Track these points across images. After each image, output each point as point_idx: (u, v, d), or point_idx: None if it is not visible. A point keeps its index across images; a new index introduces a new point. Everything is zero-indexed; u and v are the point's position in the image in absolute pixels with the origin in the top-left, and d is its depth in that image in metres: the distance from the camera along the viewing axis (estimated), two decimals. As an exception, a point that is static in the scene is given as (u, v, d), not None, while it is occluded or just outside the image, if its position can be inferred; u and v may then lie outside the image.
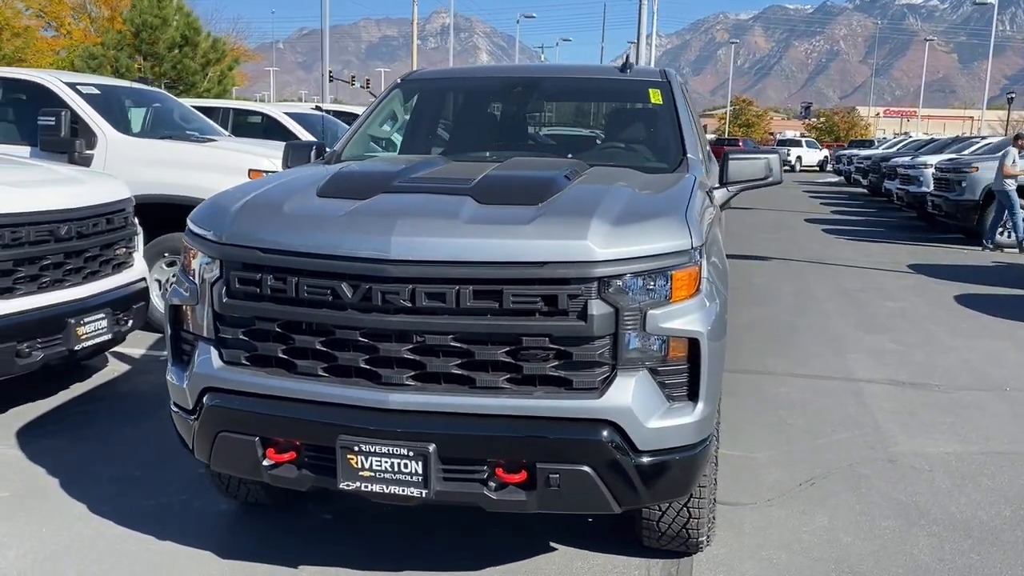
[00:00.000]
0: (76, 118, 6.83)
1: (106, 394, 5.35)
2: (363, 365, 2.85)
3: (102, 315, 4.90)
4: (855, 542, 3.61)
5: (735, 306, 8.53)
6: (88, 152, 6.78)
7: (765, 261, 12.02)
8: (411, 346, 2.80)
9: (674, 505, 3.20)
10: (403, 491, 2.81)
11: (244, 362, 3.02)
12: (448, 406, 2.80)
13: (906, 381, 6.01)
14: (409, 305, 2.75)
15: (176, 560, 3.34)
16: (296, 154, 4.44)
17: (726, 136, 56.77)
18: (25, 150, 6.87)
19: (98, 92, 7.17)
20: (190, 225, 3.18)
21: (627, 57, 4.63)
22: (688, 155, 3.94)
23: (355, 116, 11.18)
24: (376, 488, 2.84)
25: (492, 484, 2.81)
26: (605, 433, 2.76)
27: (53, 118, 6.64)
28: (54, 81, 6.96)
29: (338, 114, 13.38)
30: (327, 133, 10.91)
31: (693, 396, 2.89)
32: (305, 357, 2.92)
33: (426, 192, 3.11)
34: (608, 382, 2.78)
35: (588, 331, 2.72)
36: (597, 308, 2.72)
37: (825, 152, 50.58)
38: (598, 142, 4.49)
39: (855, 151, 33.75)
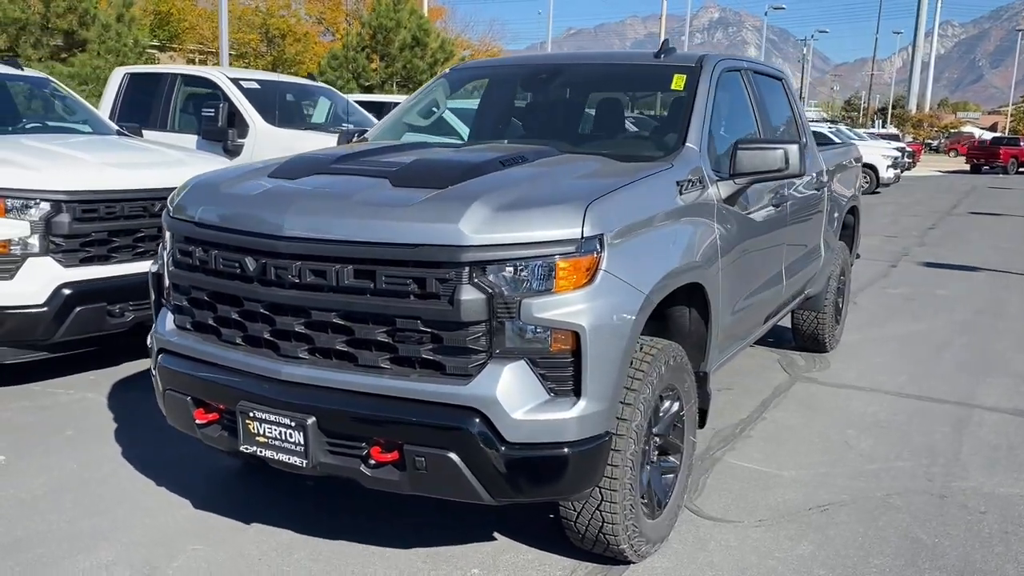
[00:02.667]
0: (234, 110, 7.58)
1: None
2: (267, 336, 3.01)
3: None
4: (825, 576, 3.25)
5: (889, 317, 7.81)
6: (240, 140, 7.51)
7: (972, 272, 10.78)
8: (304, 321, 2.91)
9: (587, 507, 3.06)
10: (288, 459, 2.94)
11: (188, 327, 3.28)
12: (331, 381, 2.89)
13: (1035, 413, 5.21)
14: (297, 281, 2.86)
15: (151, 501, 3.70)
16: (343, 138, 4.70)
17: (1006, 135, 50.92)
18: (195, 138, 7.74)
19: (258, 87, 7.90)
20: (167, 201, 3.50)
21: (666, 41, 4.39)
22: (687, 144, 3.70)
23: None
24: (268, 454, 2.99)
25: (371, 462, 2.86)
26: (469, 421, 2.72)
27: (213, 110, 7.42)
28: (220, 77, 7.77)
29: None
30: None
31: (577, 392, 2.76)
32: (227, 326, 3.13)
33: (351, 174, 3.20)
34: (481, 369, 2.73)
35: (456, 316, 2.69)
36: (467, 293, 2.68)
37: None
38: (599, 129, 4.32)
39: None
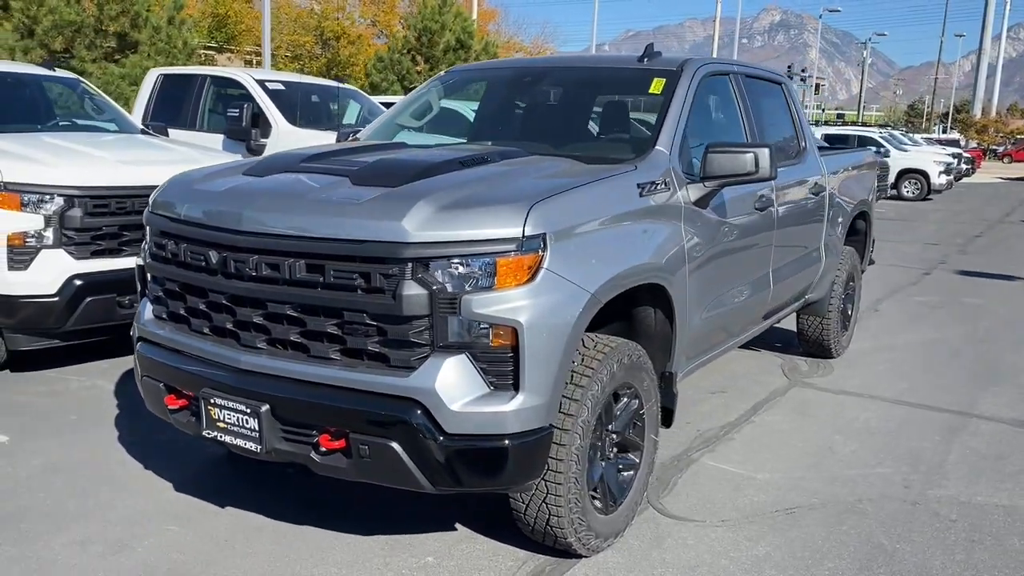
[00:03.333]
0: (258, 110, 7.80)
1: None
2: (229, 327, 3.15)
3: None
4: (775, 576, 3.27)
5: (908, 325, 7.69)
6: (263, 140, 7.73)
7: (1009, 281, 10.54)
8: (261, 312, 3.05)
9: (534, 500, 3.13)
10: (245, 444, 3.08)
11: (164, 317, 3.45)
12: (285, 371, 3.02)
13: (1035, 424, 5.12)
14: (254, 274, 3.00)
15: (136, 484, 3.87)
16: (340, 137, 4.85)
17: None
18: (221, 138, 7.98)
19: (283, 88, 8.13)
20: (151, 196, 3.67)
21: (650, 45, 4.43)
22: (657, 147, 3.75)
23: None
24: (228, 439, 3.13)
25: (321, 449, 2.97)
26: (410, 412, 2.82)
27: (237, 110, 7.65)
28: (246, 78, 8.02)
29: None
30: None
31: (516, 386, 2.84)
32: (195, 316, 3.28)
33: (316, 172, 3.32)
34: (423, 362, 2.83)
35: (399, 310, 2.79)
36: (409, 289, 2.78)
37: None
38: (579, 131, 4.37)
39: None
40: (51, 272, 5.03)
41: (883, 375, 6.06)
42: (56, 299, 5.03)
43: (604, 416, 3.31)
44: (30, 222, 4.99)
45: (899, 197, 24.37)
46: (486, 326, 2.81)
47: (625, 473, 3.52)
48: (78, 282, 5.08)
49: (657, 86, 4.08)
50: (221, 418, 3.12)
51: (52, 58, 15.64)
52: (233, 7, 36.44)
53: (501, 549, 3.41)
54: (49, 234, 5.03)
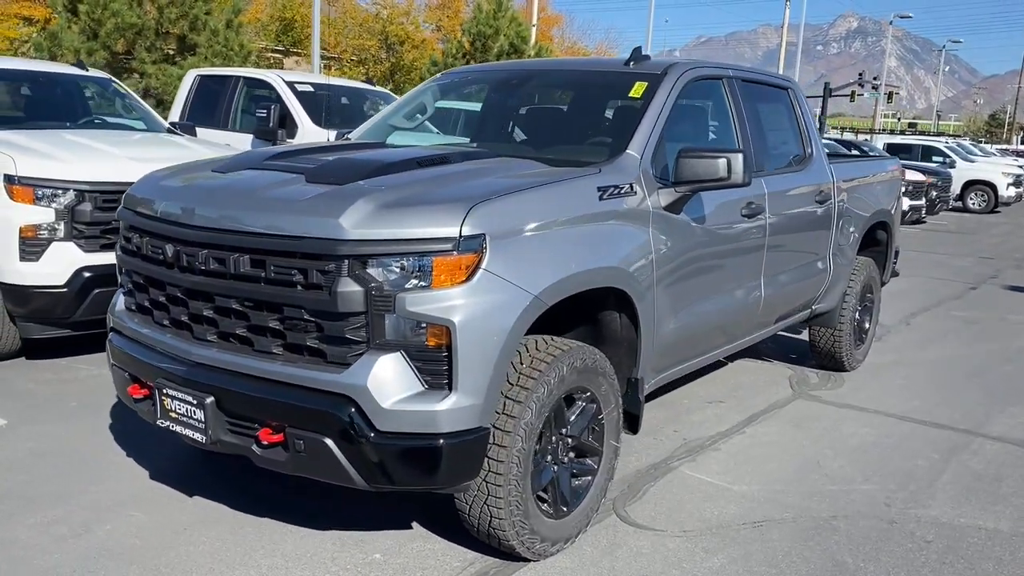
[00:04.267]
0: (286, 111, 7.96)
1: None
2: (184, 319, 3.22)
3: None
4: (723, 590, 3.20)
5: (937, 339, 7.44)
6: (289, 140, 7.87)
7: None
8: (211, 306, 3.11)
9: (476, 501, 3.12)
10: (193, 434, 3.15)
11: (133, 308, 3.55)
12: (231, 364, 3.07)
13: (1045, 446, 4.91)
14: (204, 268, 3.06)
15: (113, 470, 3.98)
16: (338, 137, 4.93)
17: None
18: (251, 137, 8.16)
19: (311, 90, 8.27)
20: (131, 192, 3.78)
21: (638, 49, 4.38)
22: (627, 151, 3.71)
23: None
24: (179, 429, 3.20)
25: (262, 442, 3.02)
26: (342, 408, 2.84)
27: (265, 111, 7.81)
28: (276, 79, 8.19)
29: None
30: None
31: (450, 385, 2.85)
32: (156, 308, 3.37)
33: (275, 170, 3.38)
34: (358, 359, 2.86)
35: (334, 307, 2.82)
36: (345, 285, 2.81)
37: None
38: (561, 133, 4.34)
39: None
40: (61, 264, 5.20)
41: (895, 390, 5.88)
42: (65, 290, 5.20)
43: (556, 420, 3.29)
44: (42, 215, 5.17)
45: (964, 209, 23.62)
46: (420, 325, 2.82)
47: (580, 478, 3.48)
48: (87, 274, 5.25)
49: (638, 90, 4.04)
50: (173, 408, 3.19)
51: (114, 59, 16.21)
52: (300, 11, 37.11)
53: (452, 549, 3.41)
54: (60, 227, 5.21)
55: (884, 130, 57.07)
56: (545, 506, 3.30)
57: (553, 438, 3.31)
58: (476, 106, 5.17)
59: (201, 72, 9.22)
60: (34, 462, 4.06)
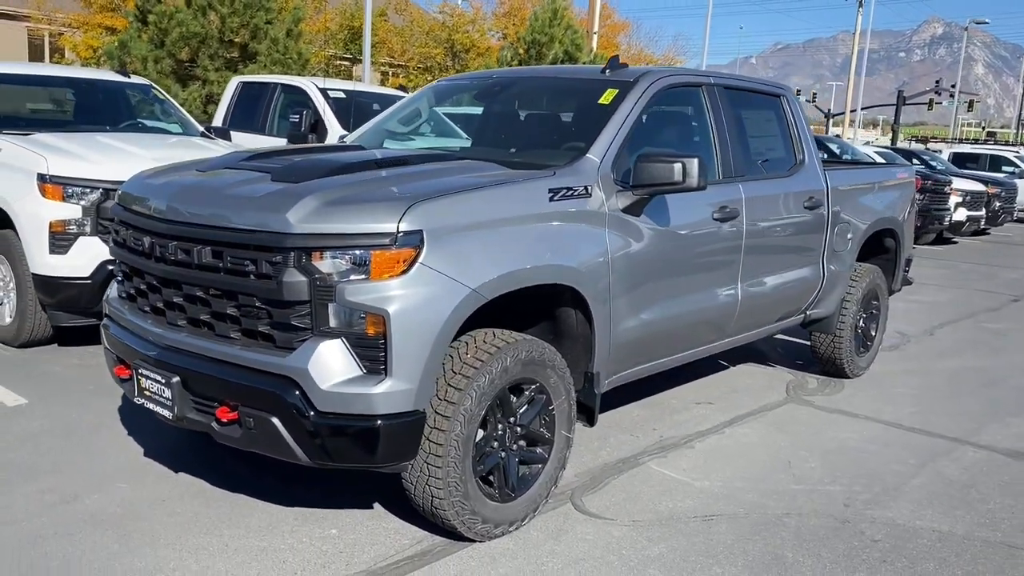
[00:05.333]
0: (318, 117, 8.28)
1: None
2: (159, 305, 3.51)
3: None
4: (655, 576, 3.34)
5: (960, 350, 7.35)
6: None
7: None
8: (180, 293, 3.39)
9: (418, 481, 3.32)
10: (162, 411, 3.43)
11: (124, 296, 3.85)
12: (195, 347, 3.34)
13: (1032, 455, 4.88)
14: (173, 258, 3.34)
15: (111, 446, 4.30)
16: (339, 140, 5.20)
17: None
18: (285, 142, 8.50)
19: (344, 96, 8.59)
20: (129, 188, 4.09)
21: (615, 58, 4.51)
22: (587, 155, 3.87)
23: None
24: (151, 406, 3.49)
25: (221, 420, 3.27)
26: (286, 389, 3.08)
27: (297, 116, 8.14)
28: (310, 86, 8.55)
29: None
30: None
31: (386, 370, 3.05)
32: (139, 295, 3.66)
33: (248, 170, 3.64)
34: (302, 344, 3.09)
35: (281, 295, 3.06)
36: (291, 276, 3.05)
37: None
38: (534, 138, 4.50)
39: None
40: (86, 257, 5.59)
41: (895, 398, 5.88)
42: (90, 281, 5.58)
43: (503, 408, 3.47)
44: (71, 211, 5.57)
45: (1033, 221, 22.92)
46: (360, 313, 3.04)
47: (530, 466, 3.65)
48: (110, 267, 5.60)
49: (607, 97, 4.19)
50: (147, 387, 3.48)
51: (179, 67, 16.92)
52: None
53: (405, 528, 3.62)
54: (87, 223, 5.60)
55: (962, 139, 55.45)
56: (490, 489, 3.48)
57: (500, 426, 3.49)
58: (478, 110, 5.39)
59: (243, 79, 9.66)
60: (43, 437, 4.41)
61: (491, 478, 3.50)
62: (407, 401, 3.09)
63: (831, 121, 60.06)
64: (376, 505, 3.82)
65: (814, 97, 64.47)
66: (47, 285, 5.59)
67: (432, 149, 4.50)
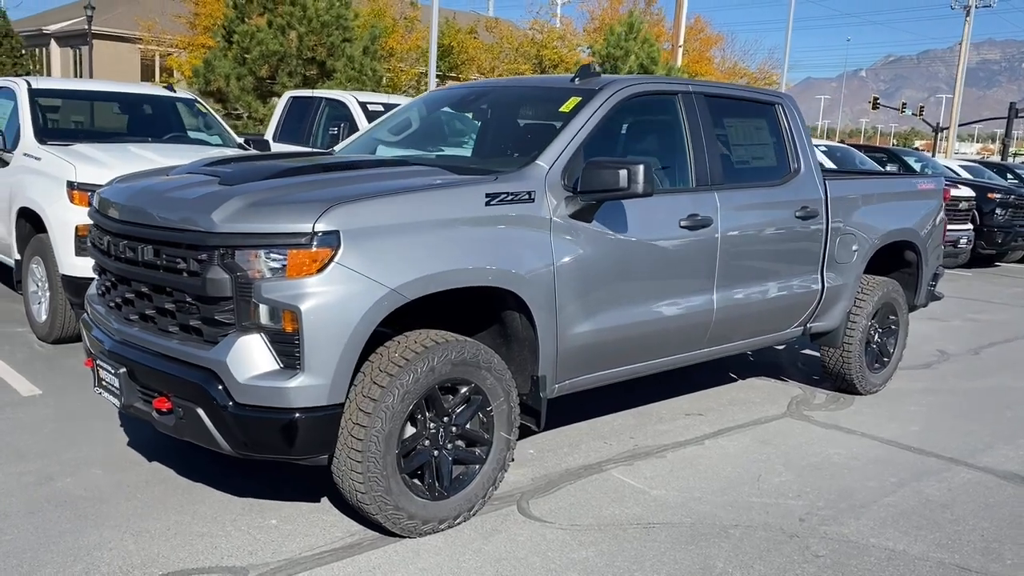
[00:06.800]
0: (355, 129, 8.56)
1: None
2: (117, 301, 3.74)
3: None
4: (571, 578, 3.35)
5: (993, 371, 7.00)
6: (355, 156, 8.45)
7: None
8: (130, 289, 3.61)
9: (344, 475, 3.42)
10: (113, 400, 3.65)
11: (98, 292, 4.11)
12: (142, 340, 3.55)
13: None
14: (123, 256, 3.56)
15: (100, 434, 4.56)
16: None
17: None
18: (327, 153, 8.81)
19: (382, 109, 8.84)
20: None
21: (588, 66, 4.53)
22: (536, 162, 3.92)
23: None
24: (106, 395, 3.71)
25: (159, 409, 3.46)
26: (208, 381, 3.24)
27: (336, 128, 8.46)
28: (350, 99, 8.85)
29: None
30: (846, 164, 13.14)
31: (301, 365, 3.18)
32: (105, 292, 3.91)
33: (202, 174, 3.83)
34: (225, 338, 3.25)
35: (206, 291, 3.23)
36: (214, 273, 3.22)
37: None
38: (498, 144, 4.56)
39: None
40: (109, 259, 5.93)
41: (904, 416, 5.67)
42: (111, 282, 5.92)
43: (436, 407, 3.55)
44: (96, 216, 5.93)
45: None
46: (277, 309, 3.18)
47: (467, 466, 3.71)
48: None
49: (569, 105, 4.23)
50: (104, 377, 3.71)
51: (260, 84, 17.66)
52: (457, 38, 38.68)
53: (342, 521, 3.73)
54: (110, 227, 5.95)
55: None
56: (420, 486, 3.56)
57: (432, 424, 3.57)
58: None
59: (293, 93, 10.06)
60: (43, 425, 4.72)
61: (422, 474, 3.57)
62: (320, 396, 3.21)
63: (940, 135, 57.79)
64: (324, 500, 3.94)
65: (921, 111, 62.23)
66: (73, 285, 5.96)
67: (399, 156, 4.62)
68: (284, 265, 3.18)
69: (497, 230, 3.68)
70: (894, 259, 6.21)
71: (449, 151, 4.90)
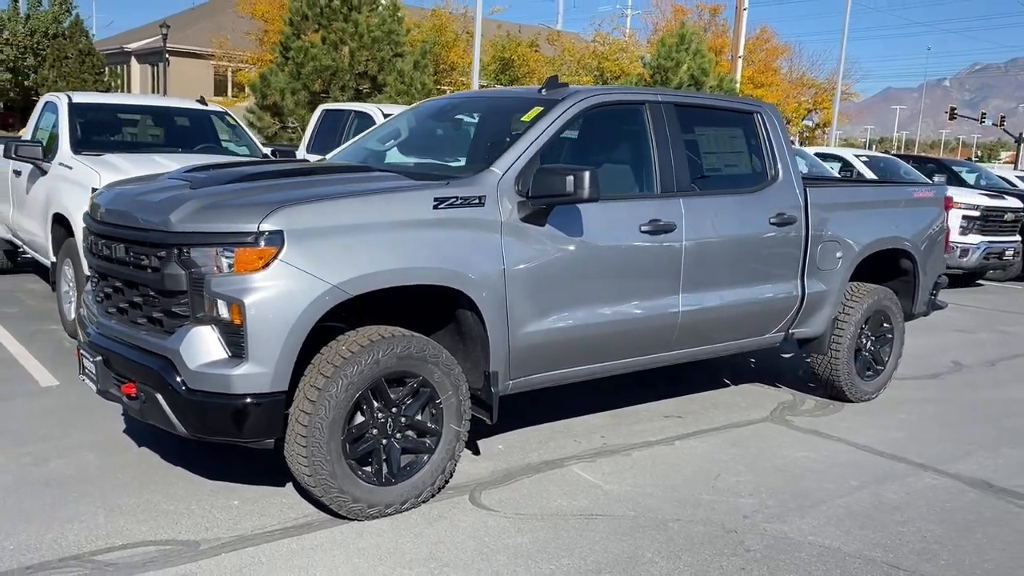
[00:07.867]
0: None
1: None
2: (101, 296, 4.07)
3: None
4: (508, 561, 3.52)
5: (1003, 383, 6.90)
6: (377, 166, 8.78)
7: None
8: (109, 283, 3.94)
9: (292, 458, 3.67)
10: (92, 385, 3.97)
11: (90, 288, 4.47)
12: (115, 331, 3.87)
13: (996, 485, 4.63)
14: (103, 254, 3.90)
15: (101, 421, 4.91)
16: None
17: None
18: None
19: (406, 120, 9.14)
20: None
21: (554, 77, 4.70)
22: (490, 168, 4.12)
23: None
24: (87, 382, 4.04)
25: (129, 394, 3.77)
26: (165, 368, 3.53)
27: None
28: (375, 112, 9.20)
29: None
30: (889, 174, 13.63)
31: (245, 355, 3.45)
32: (94, 288, 4.25)
33: (179, 179, 4.15)
34: (180, 328, 3.54)
35: (163, 285, 3.54)
36: (171, 268, 3.52)
37: None
38: (462, 151, 4.76)
39: None
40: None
41: (890, 424, 5.67)
42: (130, 283, 6.33)
43: (384, 399, 3.77)
44: (118, 222, 6.35)
45: None
46: (225, 302, 3.45)
47: (415, 455, 3.92)
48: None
49: (530, 115, 4.43)
50: (86, 366, 4.04)
51: (313, 97, 18.25)
52: (518, 51, 39.14)
53: (299, 504, 3.98)
54: (131, 232, 6.36)
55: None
56: (368, 471, 3.78)
57: (380, 414, 3.79)
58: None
59: (326, 107, 10.47)
60: (53, 413, 5.10)
61: (369, 460, 3.80)
62: (263, 383, 3.47)
63: (1022, 146, 55.97)
64: (288, 485, 4.20)
65: (1002, 121, 60.42)
66: (97, 285, 6.38)
67: (386, 164, 4.88)
68: (233, 262, 3.45)
69: (444, 232, 3.90)
70: (891, 267, 6.21)
71: (430, 159, 5.14)
